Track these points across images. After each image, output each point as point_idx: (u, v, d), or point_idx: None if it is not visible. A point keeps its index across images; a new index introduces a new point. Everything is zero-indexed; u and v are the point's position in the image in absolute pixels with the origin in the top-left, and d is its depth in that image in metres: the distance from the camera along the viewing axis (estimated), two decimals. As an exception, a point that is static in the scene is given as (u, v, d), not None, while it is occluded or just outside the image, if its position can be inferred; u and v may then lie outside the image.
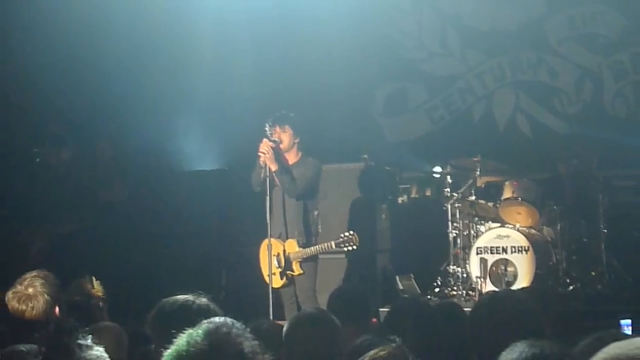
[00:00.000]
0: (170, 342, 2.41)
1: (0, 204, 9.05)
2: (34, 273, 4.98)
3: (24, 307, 4.84)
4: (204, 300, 3.70)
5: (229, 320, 2.50)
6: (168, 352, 2.38)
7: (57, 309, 4.93)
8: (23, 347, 3.83)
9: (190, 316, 3.21)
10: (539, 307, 3.92)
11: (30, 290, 4.86)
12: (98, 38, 10.16)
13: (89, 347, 2.71)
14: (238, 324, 2.48)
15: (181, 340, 2.39)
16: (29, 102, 10.08)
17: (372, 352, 2.98)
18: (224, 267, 10.16)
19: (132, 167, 9.96)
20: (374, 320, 5.61)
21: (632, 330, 6.36)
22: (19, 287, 4.90)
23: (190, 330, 2.41)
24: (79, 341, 2.71)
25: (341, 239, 7.71)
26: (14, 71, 10.06)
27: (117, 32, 10.21)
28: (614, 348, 1.92)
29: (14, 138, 9.81)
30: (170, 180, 10.36)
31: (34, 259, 8.22)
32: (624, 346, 1.91)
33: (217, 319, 2.51)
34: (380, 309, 7.93)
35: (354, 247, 7.72)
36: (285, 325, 4.12)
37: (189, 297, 3.71)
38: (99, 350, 2.73)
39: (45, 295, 4.86)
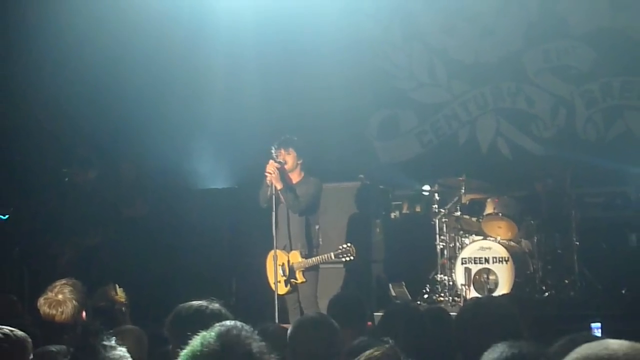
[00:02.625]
0: (186, 343, 2.41)
1: (33, 218, 9.05)
2: (63, 281, 4.98)
3: (54, 312, 4.84)
4: (216, 305, 3.70)
5: (238, 323, 2.49)
6: (184, 352, 2.38)
7: (84, 314, 4.93)
8: (53, 348, 3.84)
9: (204, 320, 3.21)
10: (518, 312, 3.91)
11: (60, 296, 4.86)
12: (121, 70, 10.19)
13: (112, 348, 2.72)
14: (247, 327, 2.47)
15: (196, 342, 2.38)
16: (59, 128, 10.10)
17: (367, 352, 2.98)
18: (234, 276, 10.13)
19: (152, 186, 9.96)
20: (369, 323, 5.60)
21: (602, 333, 6.33)
22: (49, 294, 4.90)
23: (204, 333, 2.41)
24: (104, 342, 2.72)
25: (340, 251, 7.69)
26: (46, 100, 10.08)
27: (138, 65, 10.24)
28: (585, 349, 1.92)
29: (46, 160, 9.81)
30: (186, 197, 10.35)
31: (63, 269, 8.18)
32: (594, 347, 1.91)
33: (228, 323, 2.50)
34: (375, 313, 7.89)
35: (351, 257, 7.70)
36: (290, 328, 4.13)
37: (202, 302, 3.70)
38: (121, 351, 2.74)
39: (74, 301, 4.86)
